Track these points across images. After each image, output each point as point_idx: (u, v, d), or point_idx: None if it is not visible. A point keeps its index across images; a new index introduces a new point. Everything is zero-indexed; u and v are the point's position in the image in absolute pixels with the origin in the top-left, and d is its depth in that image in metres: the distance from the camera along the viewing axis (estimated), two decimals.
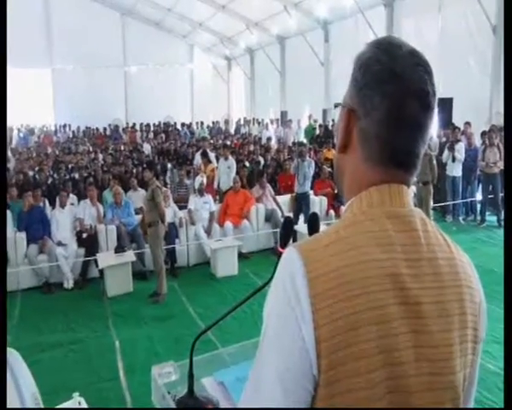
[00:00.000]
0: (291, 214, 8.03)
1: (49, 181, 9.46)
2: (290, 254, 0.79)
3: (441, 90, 11.17)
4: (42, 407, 2.07)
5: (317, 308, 0.74)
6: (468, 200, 9.35)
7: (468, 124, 9.69)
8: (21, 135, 20.35)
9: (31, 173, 10.07)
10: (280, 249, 1.47)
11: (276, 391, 0.75)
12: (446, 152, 9.12)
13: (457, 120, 10.28)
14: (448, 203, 9.30)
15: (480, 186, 9.25)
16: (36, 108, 22.12)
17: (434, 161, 8.23)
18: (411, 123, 0.84)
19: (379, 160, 0.85)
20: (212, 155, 10.55)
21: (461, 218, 9.34)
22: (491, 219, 9.09)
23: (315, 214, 1.59)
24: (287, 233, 1.53)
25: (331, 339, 0.73)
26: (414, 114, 0.84)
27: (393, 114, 0.83)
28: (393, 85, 0.83)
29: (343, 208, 0.96)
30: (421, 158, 0.88)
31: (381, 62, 0.84)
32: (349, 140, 0.89)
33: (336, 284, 0.75)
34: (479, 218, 9.16)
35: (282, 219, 7.03)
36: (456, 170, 9.08)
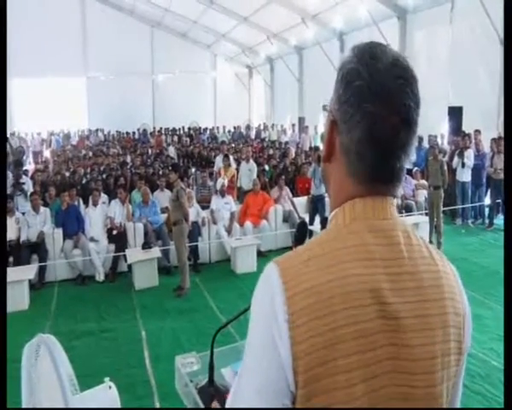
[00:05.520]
0: (307, 215, 8.05)
1: (83, 181, 9.63)
2: (270, 270, 0.76)
3: (451, 98, 11.06)
4: (77, 387, 2.15)
5: (295, 325, 0.71)
6: (477, 204, 9.22)
7: (477, 131, 9.54)
8: (59, 139, 20.77)
9: (67, 174, 10.27)
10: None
11: (255, 404, 0.73)
12: (456, 158, 9.00)
13: (467, 127, 10.13)
14: (457, 207, 9.19)
15: (489, 191, 9.11)
16: (72, 114, 22.57)
17: (445, 167, 8.10)
18: (392, 141, 0.78)
19: (361, 174, 0.80)
20: (231, 159, 10.56)
21: (469, 221, 9.20)
22: (498, 222, 8.95)
23: (326, 219, 1.63)
24: (301, 235, 1.56)
25: (309, 355, 0.70)
26: (394, 131, 0.77)
27: (373, 133, 0.77)
28: (373, 104, 0.76)
29: None
30: (404, 171, 0.83)
31: (361, 77, 0.78)
32: (333, 150, 0.84)
33: (315, 300, 0.71)
34: (487, 221, 9.02)
35: (298, 220, 7.05)
36: (465, 175, 8.95)
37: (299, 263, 0.75)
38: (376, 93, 0.77)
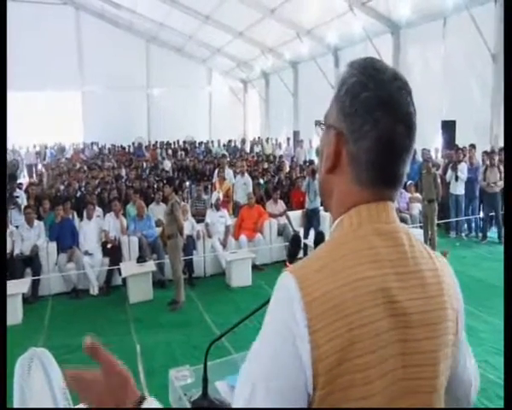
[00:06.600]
0: (302, 229, 8.06)
1: (78, 195, 9.62)
2: (286, 280, 0.79)
3: (445, 113, 11.18)
4: (70, 401, 2.14)
5: (314, 330, 0.74)
6: (471, 217, 9.28)
7: (472, 146, 9.62)
8: (53, 152, 20.75)
9: (61, 188, 10.25)
10: (288, 264, 1.53)
11: (270, 405, 0.75)
12: (450, 172, 9.08)
13: (460, 141, 10.25)
14: (451, 220, 9.24)
15: (482, 204, 9.19)
16: (67, 128, 22.60)
17: (439, 180, 8.17)
18: (399, 147, 0.84)
19: (369, 181, 0.84)
20: (230, 172, 10.52)
21: (463, 234, 9.26)
22: (492, 235, 9.00)
23: (320, 233, 1.64)
24: (294, 249, 1.58)
25: (328, 358, 0.74)
26: (401, 138, 0.83)
27: (383, 140, 0.82)
28: (382, 113, 0.82)
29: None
30: (405, 175, 0.88)
31: (368, 89, 0.83)
32: (338, 162, 0.87)
33: (331, 305, 0.75)
34: (481, 234, 9.08)
35: (292, 234, 7.06)
36: (459, 189, 9.03)
37: (313, 271, 0.78)
38: (384, 103, 0.82)
